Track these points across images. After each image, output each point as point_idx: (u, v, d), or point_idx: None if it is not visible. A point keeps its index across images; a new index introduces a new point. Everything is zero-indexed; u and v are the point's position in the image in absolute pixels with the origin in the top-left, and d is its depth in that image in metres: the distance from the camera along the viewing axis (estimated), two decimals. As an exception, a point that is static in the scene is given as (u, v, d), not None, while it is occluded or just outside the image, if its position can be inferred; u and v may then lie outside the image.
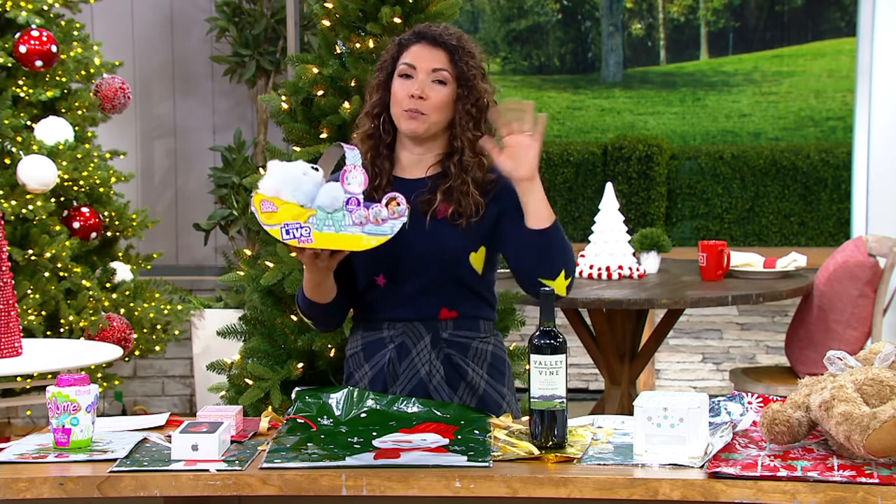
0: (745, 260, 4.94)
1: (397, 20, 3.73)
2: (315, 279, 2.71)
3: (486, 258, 2.78)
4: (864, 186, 6.02)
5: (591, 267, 4.80)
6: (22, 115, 5.00)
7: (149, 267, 5.49)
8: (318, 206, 2.51)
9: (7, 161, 4.94)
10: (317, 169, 2.56)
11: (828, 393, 2.30)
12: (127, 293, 5.20)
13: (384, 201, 2.53)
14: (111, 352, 4.13)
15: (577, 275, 4.76)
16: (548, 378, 2.38)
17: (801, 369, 4.85)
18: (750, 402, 2.59)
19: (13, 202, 4.83)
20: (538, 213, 2.66)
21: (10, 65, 4.98)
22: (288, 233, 2.51)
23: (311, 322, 2.88)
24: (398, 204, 2.54)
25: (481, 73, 2.77)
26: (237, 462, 2.38)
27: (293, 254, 2.61)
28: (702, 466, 2.28)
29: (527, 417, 2.48)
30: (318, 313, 2.80)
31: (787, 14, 6.94)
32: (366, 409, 2.67)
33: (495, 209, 2.74)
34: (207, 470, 2.33)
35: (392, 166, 2.81)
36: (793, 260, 4.95)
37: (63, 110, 5.12)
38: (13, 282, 4.01)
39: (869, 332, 4.79)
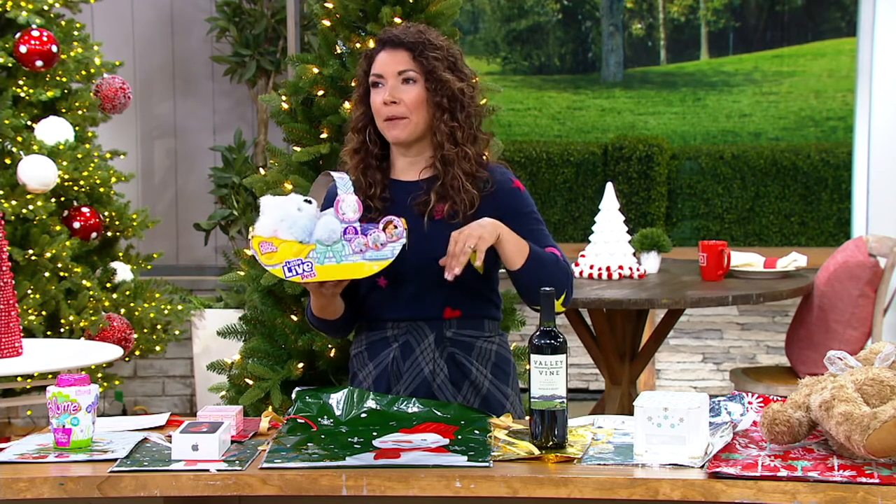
0: (745, 260, 4.93)
1: (398, 20, 3.73)
2: (321, 303, 2.75)
3: (485, 257, 2.78)
4: (864, 186, 6.02)
5: (591, 267, 4.80)
6: (22, 115, 5.00)
7: (149, 267, 5.49)
8: (316, 240, 2.55)
9: (7, 161, 4.94)
10: (309, 201, 2.59)
11: (828, 393, 2.29)
12: (127, 293, 5.20)
13: (381, 226, 2.57)
14: (111, 352, 4.13)
15: (577, 275, 4.80)
16: (548, 378, 2.38)
17: (801, 369, 4.85)
18: (750, 402, 2.59)
19: (13, 202, 4.83)
20: (510, 257, 2.66)
21: (10, 65, 4.98)
22: (290, 270, 2.54)
23: (324, 333, 2.95)
24: (395, 227, 2.57)
25: (448, 62, 2.76)
26: (237, 462, 2.38)
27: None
28: (702, 466, 2.28)
29: (527, 417, 2.48)
30: (330, 328, 2.86)
31: (787, 14, 6.94)
32: (366, 409, 2.67)
33: (493, 210, 2.74)
34: (208, 470, 2.33)
35: (384, 175, 2.82)
36: (793, 260, 4.95)
37: (63, 110, 5.12)
38: (13, 282, 4.01)
39: (869, 332, 4.79)
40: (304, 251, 2.55)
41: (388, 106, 2.73)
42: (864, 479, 2.18)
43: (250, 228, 2.62)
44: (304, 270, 2.55)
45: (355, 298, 2.82)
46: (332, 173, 2.71)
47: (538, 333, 2.40)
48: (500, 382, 2.83)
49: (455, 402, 2.75)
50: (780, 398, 2.51)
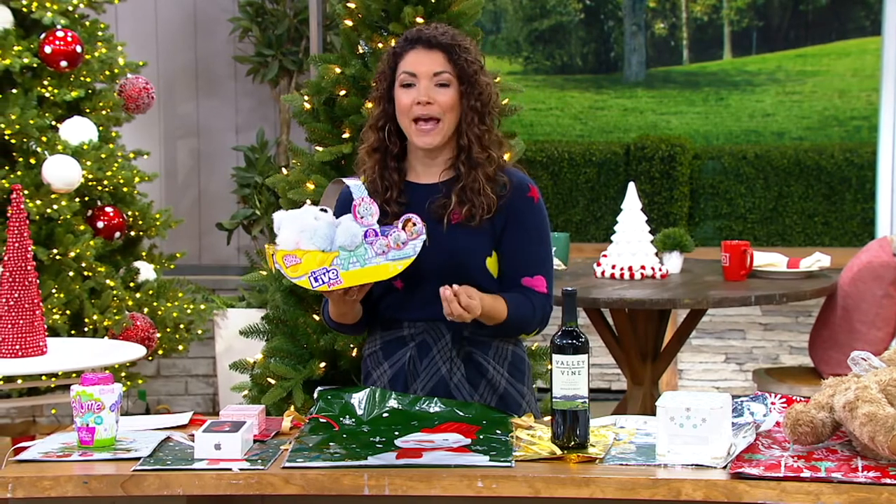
0: (768, 260, 4.91)
1: (420, 20, 3.73)
2: (342, 310, 2.75)
3: (499, 259, 2.78)
4: (888, 186, 5.98)
5: (613, 267, 4.79)
6: (47, 115, 5.03)
7: (172, 266, 5.51)
8: (339, 246, 2.55)
9: (32, 161, 4.97)
10: (325, 210, 2.60)
11: (852, 393, 2.28)
12: (150, 292, 5.22)
13: (400, 224, 2.58)
14: (135, 351, 4.15)
15: (599, 275, 4.79)
16: (570, 378, 2.38)
17: (824, 370, 4.83)
18: (773, 403, 2.58)
19: (38, 202, 4.86)
20: (482, 321, 2.71)
21: (35, 65, 5.01)
22: (317, 280, 2.55)
23: (341, 333, 2.98)
24: (414, 224, 2.58)
25: (480, 65, 2.77)
26: (260, 461, 2.38)
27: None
28: (724, 467, 2.27)
29: (549, 417, 2.48)
30: (347, 329, 2.87)
31: (811, 13, 6.91)
32: (388, 408, 2.67)
33: (503, 215, 2.75)
34: (230, 469, 2.34)
35: (401, 176, 2.81)
36: (816, 260, 4.93)
37: (87, 110, 5.15)
38: (38, 281, 4.03)
39: (893, 333, 4.76)
40: (327, 259, 2.55)
41: (422, 106, 2.71)
42: (888, 481, 2.17)
43: (267, 246, 2.62)
44: (330, 279, 2.55)
45: (369, 300, 2.81)
46: (345, 180, 2.71)
47: (560, 333, 2.40)
48: (517, 382, 2.83)
49: (474, 402, 2.75)
50: (803, 399, 2.50)
